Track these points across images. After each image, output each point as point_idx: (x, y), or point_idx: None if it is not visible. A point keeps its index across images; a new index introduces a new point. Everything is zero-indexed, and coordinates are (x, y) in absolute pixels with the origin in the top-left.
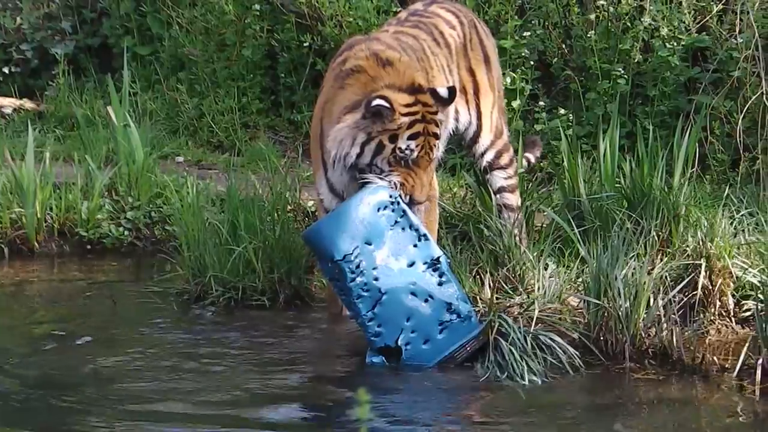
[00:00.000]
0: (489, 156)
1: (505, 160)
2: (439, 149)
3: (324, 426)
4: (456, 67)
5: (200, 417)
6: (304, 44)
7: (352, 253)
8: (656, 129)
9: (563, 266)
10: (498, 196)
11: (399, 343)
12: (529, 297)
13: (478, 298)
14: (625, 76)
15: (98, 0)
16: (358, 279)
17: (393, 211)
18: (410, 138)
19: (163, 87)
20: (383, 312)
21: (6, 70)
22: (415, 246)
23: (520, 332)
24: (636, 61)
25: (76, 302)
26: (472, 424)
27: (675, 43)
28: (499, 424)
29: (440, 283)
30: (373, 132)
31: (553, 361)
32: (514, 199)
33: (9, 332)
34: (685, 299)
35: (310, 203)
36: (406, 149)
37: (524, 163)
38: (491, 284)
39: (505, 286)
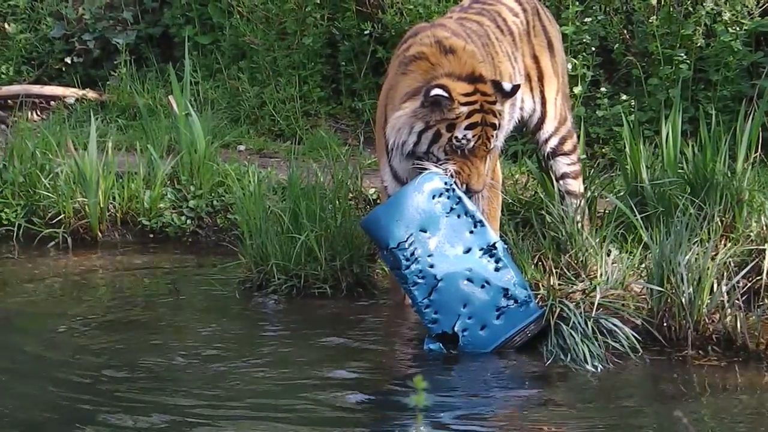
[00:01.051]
0: (553, 142)
1: (568, 146)
2: (498, 139)
3: (384, 412)
4: (520, 54)
5: (261, 405)
6: (365, 32)
7: (406, 241)
8: (719, 114)
9: (626, 252)
10: (561, 182)
11: (456, 329)
12: (591, 283)
13: (540, 284)
14: (688, 62)
15: None
16: (413, 266)
17: (448, 198)
18: (468, 128)
19: (224, 76)
20: (439, 299)
21: (68, 60)
22: (471, 232)
23: (582, 317)
24: (698, 46)
25: (140, 291)
26: (534, 408)
27: (737, 28)
28: (561, 408)
29: (497, 269)
30: (431, 121)
31: (616, 345)
32: (576, 185)
33: (75, 321)
34: (749, 285)
35: (372, 191)
36: (462, 139)
37: None
38: (553, 270)
39: (567, 272)
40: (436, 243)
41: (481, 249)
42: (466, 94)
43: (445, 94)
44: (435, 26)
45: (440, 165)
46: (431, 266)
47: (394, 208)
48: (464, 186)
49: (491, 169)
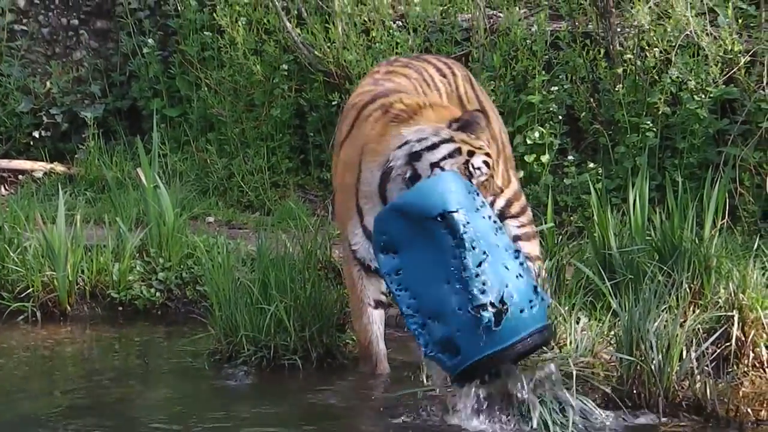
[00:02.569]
0: (499, 205)
1: (515, 208)
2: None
3: None
4: None
5: None
6: (333, 103)
7: (463, 207)
8: (686, 181)
9: (595, 320)
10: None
11: (504, 299)
12: (561, 351)
13: None
14: (654, 129)
15: (127, 63)
16: (469, 233)
17: (476, 198)
18: (484, 163)
19: (192, 148)
20: (488, 271)
21: (36, 134)
22: (495, 235)
23: (552, 389)
24: (664, 113)
25: (109, 364)
26: None
27: (703, 96)
28: None
29: (522, 270)
30: (456, 138)
31: (586, 420)
32: (530, 247)
33: (42, 395)
34: (718, 351)
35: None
36: (477, 168)
37: None
38: None
39: None
40: (477, 226)
41: (507, 249)
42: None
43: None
44: (390, 90)
45: None
46: (480, 240)
47: (441, 181)
48: None
49: None
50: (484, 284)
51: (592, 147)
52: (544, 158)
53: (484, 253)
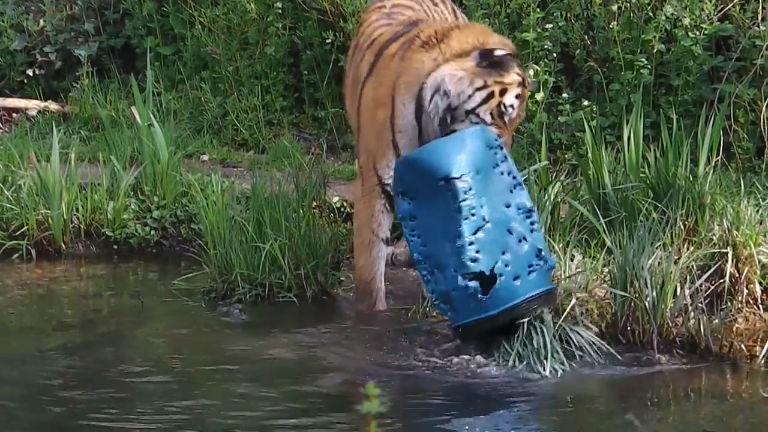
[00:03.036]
0: None
1: None
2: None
3: (339, 422)
4: None
5: (220, 416)
6: (327, 41)
7: (467, 174)
8: (680, 118)
9: (589, 257)
10: None
11: (495, 271)
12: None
13: None
14: (648, 67)
15: (120, 1)
16: (469, 201)
17: (496, 153)
18: (516, 97)
19: (186, 86)
20: (484, 239)
21: (30, 72)
22: (511, 192)
23: (547, 323)
24: (659, 51)
25: (104, 302)
26: (492, 415)
27: (698, 32)
28: (519, 414)
29: (532, 230)
30: (488, 81)
31: (579, 353)
32: None
33: (37, 333)
34: (712, 288)
35: (335, 199)
36: (509, 106)
37: None
38: None
39: None
40: (488, 188)
41: (519, 209)
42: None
43: (511, 55)
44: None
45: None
46: (482, 206)
47: (457, 142)
48: None
49: None
50: (477, 252)
51: (587, 84)
52: (539, 96)
53: (484, 219)
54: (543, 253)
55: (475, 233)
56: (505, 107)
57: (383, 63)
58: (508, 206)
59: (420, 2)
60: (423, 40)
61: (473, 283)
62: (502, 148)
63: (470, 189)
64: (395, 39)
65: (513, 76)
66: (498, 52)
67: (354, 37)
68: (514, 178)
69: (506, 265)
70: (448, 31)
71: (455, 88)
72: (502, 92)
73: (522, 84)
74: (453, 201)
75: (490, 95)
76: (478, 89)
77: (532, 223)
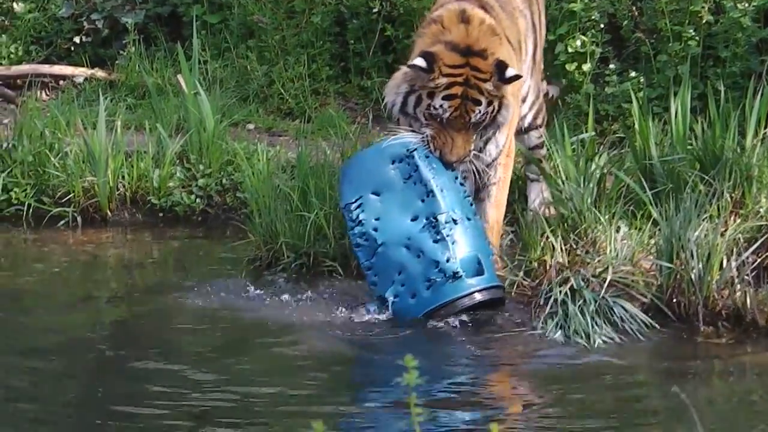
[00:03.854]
0: (529, 116)
1: (540, 119)
2: (481, 114)
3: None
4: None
5: (260, 380)
6: (374, 10)
7: (354, 203)
8: (728, 90)
9: (635, 229)
10: (532, 152)
11: (387, 295)
12: (601, 260)
13: (547, 261)
14: (696, 38)
15: None
16: (357, 229)
17: (407, 164)
18: (445, 98)
19: (232, 55)
20: (378, 263)
21: (77, 39)
22: (423, 201)
23: (590, 296)
24: (707, 22)
25: (149, 270)
26: (535, 384)
27: (746, 4)
28: (560, 385)
29: (435, 241)
30: (416, 85)
31: (623, 325)
32: (543, 153)
33: (83, 300)
34: (759, 261)
35: None
36: (439, 108)
37: (550, 94)
38: (563, 247)
39: (576, 249)
40: (387, 207)
41: (427, 218)
42: (452, 66)
43: (423, 65)
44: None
45: (420, 128)
46: (375, 230)
47: (351, 168)
48: (438, 153)
49: (505, 145)
50: (375, 276)
51: (634, 56)
52: (586, 67)
53: (377, 242)
54: (440, 266)
55: (370, 258)
56: (434, 108)
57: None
58: (414, 219)
59: None
60: (420, 29)
61: (372, 306)
62: (413, 157)
63: (357, 217)
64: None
65: (439, 79)
66: (412, 62)
67: None
68: (425, 185)
69: (402, 285)
70: (434, 22)
71: (388, 96)
72: (430, 95)
73: (463, 83)
74: (346, 228)
75: (419, 98)
76: (408, 93)
77: (437, 233)
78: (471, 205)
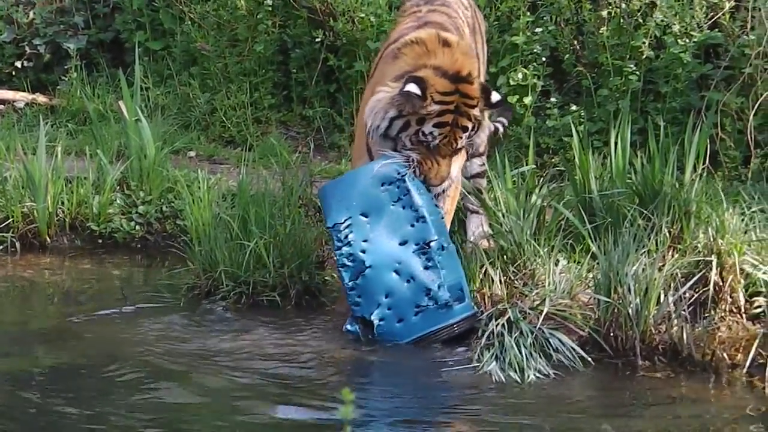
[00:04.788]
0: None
1: (482, 147)
2: (466, 139)
3: (317, 423)
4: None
5: (199, 411)
6: (317, 40)
7: (343, 223)
8: (668, 125)
9: (574, 262)
10: (472, 181)
11: (372, 317)
12: (540, 293)
13: (485, 293)
14: (637, 73)
15: None
16: (345, 249)
17: (398, 187)
18: (436, 126)
19: (175, 82)
20: (364, 284)
21: (18, 64)
22: (412, 226)
23: (527, 328)
24: (648, 57)
25: (87, 296)
26: (467, 420)
27: (687, 40)
28: (491, 420)
29: (426, 267)
30: (404, 110)
31: (560, 358)
32: (484, 183)
33: (19, 326)
34: (696, 296)
35: None
36: (429, 135)
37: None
38: (501, 279)
39: (514, 281)
40: (375, 230)
41: (417, 244)
42: (444, 93)
43: (418, 92)
44: (426, 18)
45: (405, 152)
46: (363, 251)
47: (340, 187)
48: (422, 177)
49: (456, 176)
50: (358, 297)
51: (575, 89)
52: (527, 100)
53: (364, 263)
54: (432, 292)
55: (355, 278)
56: (424, 135)
57: (381, 63)
58: (404, 243)
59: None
60: (394, 50)
61: (353, 327)
62: (404, 181)
63: (345, 237)
64: (395, 41)
65: (431, 107)
66: (406, 88)
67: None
68: (416, 211)
69: (389, 308)
70: (409, 44)
71: (373, 122)
72: (420, 121)
73: (454, 110)
74: (333, 248)
75: (407, 124)
76: (394, 118)
77: (428, 259)
78: (444, 226)
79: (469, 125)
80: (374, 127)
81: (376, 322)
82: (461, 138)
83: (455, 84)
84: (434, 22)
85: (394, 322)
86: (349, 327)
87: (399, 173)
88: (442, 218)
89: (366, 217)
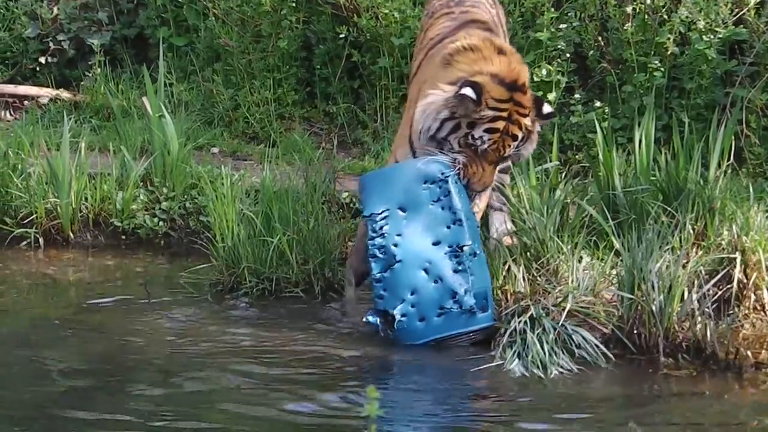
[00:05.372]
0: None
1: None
2: (514, 149)
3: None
4: None
5: (220, 405)
6: (340, 36)
7: (380, 214)
8: (692, 122)
9: (597, 259)
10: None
11: (395, 312)
12: (563, 290)
13: (508, 290)
14: (662, 69)
15: None
16: (378, 240)
17: (439, 187)
18: (487, 131)
19: (198, 78)
20: (392, 278)
21: (43, 60)
22: (448, 228)
23: (549, 325)
24: (672, 53)
25: (110, 292)
26: (491, 415)
27: (712, 36)
28: (513, 416)
29: (455, 271)
30: (457, 113)
31: (583, 354)
32: (507, 180)
33: (42, 321)
34: (720, 293)
35: (345, 194)
36: (478, 139)
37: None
38: (525, 276)
39: (538, 278)
40: (411, 225)
41: (450, 246)
42: (499, 100)
43: (473, 96)
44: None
45: (452, 153)
46: (395, 245)
47: (382, 178)
48: (466, 180)
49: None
50: (384, 290)
51: (599, 86)
52: (551, 96)
53: (395, 257)
54: (458, 296)
55: (383, 271)
56: (473, 138)
57: (425, 63)
58: (436, 243)
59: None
60: (444, 54)
61: (373, 319)
62: (446, 182)
63: (381, 228)
64: (440, 41)
65: (485, 112)
66: (462, 91)
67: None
68: (454, 213)
69: (412, 306)
70: (467, 50)
71: (424, 123)
72: (471, 125)
73: (507, 118)
74: (368, 238)
75: (457, 126)
76: (446, 120)
77: (459, 263)
78: (479, 233)
79: (520, 134)
80: (425, 129)
81: (398, 317)
82: (510, 146)
83: (510, 92)
84: (478, 21)
85: (416, 321)
86: (370, 318)
87: (443, 173)
88: (478, 226)
89: (404, 211)
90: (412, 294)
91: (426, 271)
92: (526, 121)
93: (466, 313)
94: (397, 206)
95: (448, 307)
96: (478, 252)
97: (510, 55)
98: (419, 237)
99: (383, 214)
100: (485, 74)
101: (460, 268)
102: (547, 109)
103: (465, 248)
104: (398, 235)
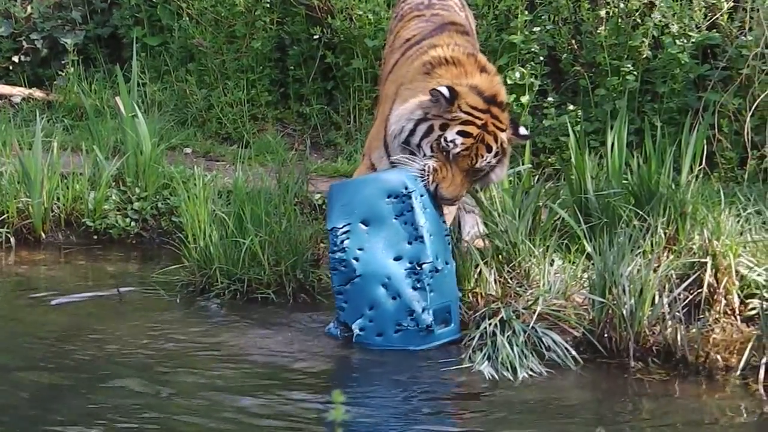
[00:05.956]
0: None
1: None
2: (486, 162)
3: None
4: None
5: (187, 407)
6: (314, 37)
7: (341, 228)
8: (664, 126)
9: (569, 262)
10: None
11: (354, 326)
12: (534, 292)
13: (479, 292)
14: (635, 73)
15: None
16: (338, 254)
17: (402, 202)
18: (459, 134)
19: (171, 78)
20: (352, 292)
21: (16, 59)
22: (409, 243)
23: (519, 327)
24: (645, 57)
25: (82, 292)
26: (459, 417)
27: (685, 40)
28: (482, 418)
29: (414, 288)
30: (430, 114)
31: (553, 357)
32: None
33: (13, 322)
34: (690, 297)
35: (317, 196)
36: (450, 142)
37: None
38: (496, 279)
39: (509, 281)
40: (372, 240)
41: (410, 263)
42: (474, 108)
43: (446, 94)
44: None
45: (423, 159)
46: (356, 259)
47: (345, 191)
48: (434, 186)
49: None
50: (345, 303)
51: (573, 89)
52: (524, 99)
53: (355, 271)
54: (415, 315)
55: (344, 284)
56: (446, 141)
57: (403, 62)
58: (398, 258)
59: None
60: (425, 60)
61: (335, 331)
62: (410, 197)
63: (342, 242)
64: (419, 42)
65: (457, 113)
66: (437, 88)
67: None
68: (416, 229)
69: (370, 321)
70: (449, 63)
71: (397, 123)
72: (443, 126)
73: (481, 126)
74: (330, 251)
75: (430, 128)
76: (419, 121)
77: (418, 281)
78: (449, 244)
79: (494, 146)
80: (397, 131)
81: (356, 331)
82: (483, 156)
83: (488, 104)
84: (456, 23)
85: (374, 335)
86: (332, 329)
87: (407, 188)
88: (447, 235)
89: (366, 225)
90: (370, 309)
91: (385, 286)
92: (503, 136)
93: (423, 331)
94: (360, 220)
95: (405, 325)
96: (440, 267)
97: (492, 75)
98: (380, 252)
99: (344, 229)
100: (464, 86)
101: (419, 285)
102: (523, 131)
103: (425, 265)
104: (360, 249)
